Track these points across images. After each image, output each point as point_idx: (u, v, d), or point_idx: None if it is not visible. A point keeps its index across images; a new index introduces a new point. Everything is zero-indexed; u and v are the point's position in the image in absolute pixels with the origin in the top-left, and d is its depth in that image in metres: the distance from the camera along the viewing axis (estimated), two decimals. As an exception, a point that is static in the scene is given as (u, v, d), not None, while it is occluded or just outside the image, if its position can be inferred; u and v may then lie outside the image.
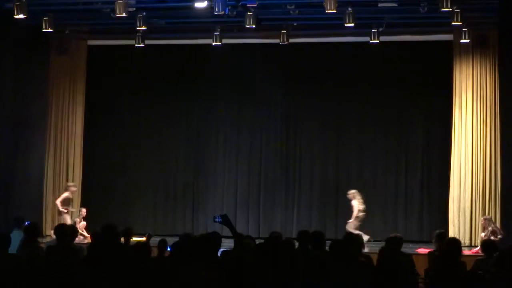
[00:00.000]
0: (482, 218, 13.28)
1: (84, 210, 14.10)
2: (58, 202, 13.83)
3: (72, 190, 14.07)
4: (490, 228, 12.83)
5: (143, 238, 9.66)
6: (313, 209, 15.18)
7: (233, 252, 6.62)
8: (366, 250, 9.89)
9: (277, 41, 13.87)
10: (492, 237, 12.60)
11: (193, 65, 15.34)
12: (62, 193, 14.04)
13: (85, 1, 13.11)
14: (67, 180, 15.01)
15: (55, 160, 15.09)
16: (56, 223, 11.59)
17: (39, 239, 7.76)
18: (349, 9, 12.32)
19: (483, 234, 12.96)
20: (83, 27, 14.93)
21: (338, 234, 13.08)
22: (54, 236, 7.72)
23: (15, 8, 12.03)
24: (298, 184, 15.34)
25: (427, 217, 14.56)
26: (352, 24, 12.48)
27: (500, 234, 12.71)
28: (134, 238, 9.14)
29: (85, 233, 13.59)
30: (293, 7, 12.65)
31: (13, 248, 7.02)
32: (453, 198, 13.89)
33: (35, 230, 7.56)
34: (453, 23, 12.50)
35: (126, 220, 13.61)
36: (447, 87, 14.09)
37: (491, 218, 13.23)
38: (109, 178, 15.31)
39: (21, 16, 12.09)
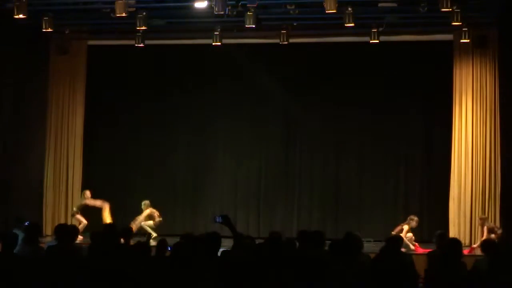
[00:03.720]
0: (478, 218, 13.33)
1: (88, 193, 14.19)
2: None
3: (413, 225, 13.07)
4: (485, 227, 12.87)
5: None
6: (313, 209, 15.18)
7: (233, 252, 6.62)
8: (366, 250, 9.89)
9: (277, 41, 13.87)
10: (492, 235, 12.66)
11: (193, 65, 15.34)
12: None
13: (85, 1, 13.11)
14: (67, 180, 15.03)
15: (55, 160, 15.12)
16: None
17: (39, 239, 7.76)
18: (349, 9, 12.32)
19: (483, 237, 12.98)
20: (83, 27, 14.94)
21: (338, 234, 13.07)
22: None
23: (15, 8, 12.03)
24: (298, 184, 15.34)
25: (427, 217, 14.56)
26: (352, 24, 12.48)
27: (498, 229, 12.78)
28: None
29: (82, 219, 13.77)
30: (293, 7, 12.65)
31: (13, 248, 7.03)
32: (453, 198, 13.90)
33: (35, 230, 7.56)
34: (453, 23, 12.50)
35: (126, 220, 13.61)
36: (447, 87, 14.09)
37: (487, 217, 13.25)
38: (109, 178, 15.31)
39: (21, 16, 12.09)
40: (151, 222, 14.13)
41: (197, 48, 15.02)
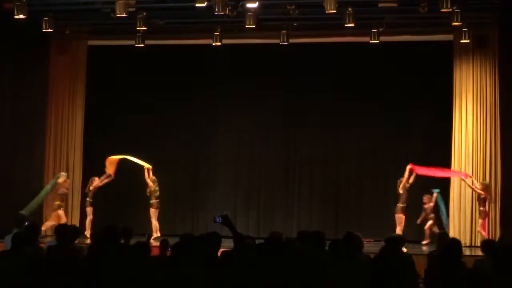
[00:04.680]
0: (480, 183, 13.42)
1: (96, 179, 14.22)
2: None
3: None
4: (484, 189, 13.14)
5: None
6: (313, 209, 15.18)
7: (233, 252, 6.62)
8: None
9: (277, 41, 13.88)
10: (483, 198, 13.09)
11: (193, 65, 15.34)
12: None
13: (85, 1, 13.13)
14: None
15: (55, 160, 15.12)
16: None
17: (39, 239, 7.76)
18: (349, 9, 12.34)
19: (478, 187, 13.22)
20: (83, 27, 14.96)
21: (338, 234, 13.07)
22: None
23: (15, 8, 12.06)
24: (298, 184, 15.34)
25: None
26: (352, 24, 12.50)
27: (488, 203, 13.12)
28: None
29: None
30: (293, 7, 12.66)
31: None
32: (453, 198, 13.91)
33: (35, 230, 7.56)
34: (453, 23, 12.52)
35: (126, 220, 13.57)
36: (447, 87, 14.10)
37: (489, 185, 13.43)
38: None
39: (21, 16, 12.12)
40: (154, 209, 14.11)
41: (197, 48, 15.01)
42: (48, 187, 14.00)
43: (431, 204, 13.78)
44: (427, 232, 13.63)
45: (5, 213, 13.32)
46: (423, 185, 13.94)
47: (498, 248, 7.26)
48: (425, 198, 13.86)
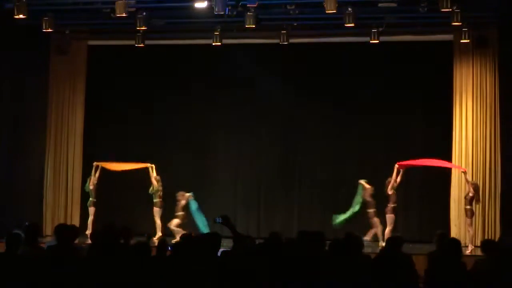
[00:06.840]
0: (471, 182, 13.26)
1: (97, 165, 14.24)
2: None
3: None
4: (472, 188, 12.87)
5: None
6: (313, 209, 15.17)
7: (233, 252, 6.62)
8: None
9: (277, 41, 13.88)
10: (470, 194, 12.84)
11: (193, 65, 15.33)
12: None
13: (85, 1, 13.13)
14: (67, 180, 15.03)
15: (55, 160, 15.13)
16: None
17: (39, 239, 7.75)
18: (349, 9, 12.34)
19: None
20: (83, 27, 14.96)
21: (338, 234, 13.05)
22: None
23: (15, 8, 12.08)
24: (298, 183, 15.34)
25: (427, 217, 14.56)
26: (352, 24, 12.50)
27: (474, 202, 12.92)
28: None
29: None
30: (293, 7, 12.67)
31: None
32: (454, 198, 13.91)
33: (35, 230, 7.55)
34: (453, 23, 12.53)
35: (126, 220, 13.58)
36: (447, 87, 14.11)
37: (477, 184, 13.23)
38: (109, 178, 15.28)
39: (21, 16, 12.14)
40: (158, 208, 14.15)
41: (197, 48, 15.02)
42: (358, 198, 13.70)
43: (183, 202, 13.86)
44: (173, 230, 13.55)
45: (5, 213, 13.38)
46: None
47: (498, 248, 7.28)
48: (179, 195, 13.94)
